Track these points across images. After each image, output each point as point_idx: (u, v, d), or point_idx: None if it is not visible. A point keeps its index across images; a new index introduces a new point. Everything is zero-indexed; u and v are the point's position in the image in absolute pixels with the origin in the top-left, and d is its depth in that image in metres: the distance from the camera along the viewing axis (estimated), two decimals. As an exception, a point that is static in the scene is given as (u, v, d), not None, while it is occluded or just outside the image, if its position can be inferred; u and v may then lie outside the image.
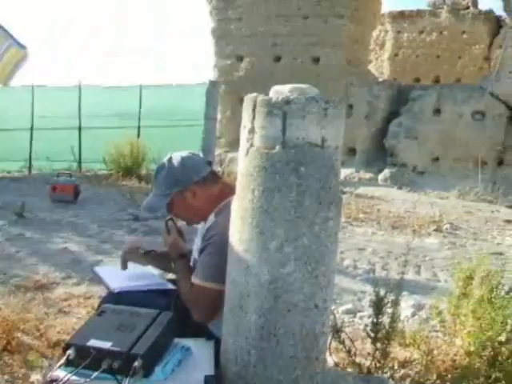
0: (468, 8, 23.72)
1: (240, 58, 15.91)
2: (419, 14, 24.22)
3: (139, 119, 13.48)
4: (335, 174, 2.01)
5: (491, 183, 12.50)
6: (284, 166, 1.92)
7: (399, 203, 11.33)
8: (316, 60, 15.05)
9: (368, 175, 13.98)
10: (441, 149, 13.70)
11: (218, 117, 14.00)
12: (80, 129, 13.22)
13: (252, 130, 2.00)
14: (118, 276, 3.04)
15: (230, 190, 2.66)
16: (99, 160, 12.33)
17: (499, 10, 14.10)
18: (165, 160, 2.85)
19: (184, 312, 2.55)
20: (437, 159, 13.82)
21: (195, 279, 2.59)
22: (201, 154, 2.91)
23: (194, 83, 13.79)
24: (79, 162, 13.02)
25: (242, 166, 2.07)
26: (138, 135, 13.11)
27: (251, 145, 2.00)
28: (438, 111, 13.86)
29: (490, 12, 23.54)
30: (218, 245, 2.51)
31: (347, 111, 14.50)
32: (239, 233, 2.11)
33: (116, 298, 2.76)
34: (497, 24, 23.22)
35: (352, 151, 14.55)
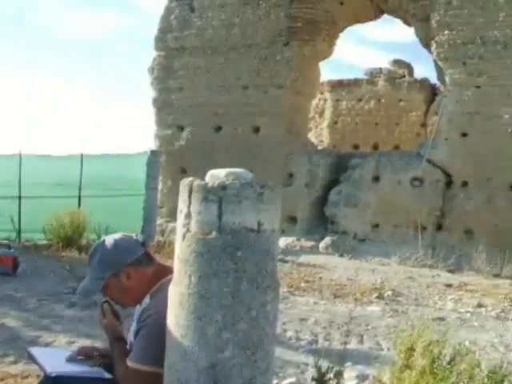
0: (404, 77, 24.53)
1: (181, 128, 16.00)
2: (357, 82, 24.91)
3: (80, 188, 13.32)
4: (272, 258, 2.02)
5: (431, 248, 12.65)
6: (220, 252, 1.93)
7: (341, 271, 11.35)
8: (256, 130, 15.22)
9: (309, 243, 13.97)
10: (381, 215, 13.84)
11: (159, 186, 13.99)
12: (20, 198, 12.98)
13: (188, 215, 2.01)
14: (54, 358, 2.95)
15: (164, 271, 2.67)
16: (39, 230, 12.08)
17: (434, 78, 14.58)
18: (98, 243, 2.84)
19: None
20: (377, 226, 13.94)
21: (130, 362, 2.53)
22: (134, 236, 2.89)
23: (136, 152, 13.80)
24: (19, 232, 12.74)
25: (179, 251, 2.07)
26: (79, 205, 12.94)
27: (188, 230, 2.01)
28: (377, 178, 14.05)
29: (425, 80, 24.40)
30: (153, 327, 2.48)
31: (287, 180, 14.80)
32: (176, 318, 2.09)
33: (53, 382, 2.68)
34: (432, 91, 24.02)
35: (293, 219, 14.58)
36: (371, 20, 16.18)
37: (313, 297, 8.68)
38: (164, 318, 2.24)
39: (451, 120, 13.34)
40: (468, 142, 13.25)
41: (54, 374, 2.72)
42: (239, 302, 1.96)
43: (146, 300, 2.70)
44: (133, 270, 2.71)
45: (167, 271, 2.59)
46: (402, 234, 13.23)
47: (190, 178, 2.07)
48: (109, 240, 2.80)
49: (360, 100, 24.66)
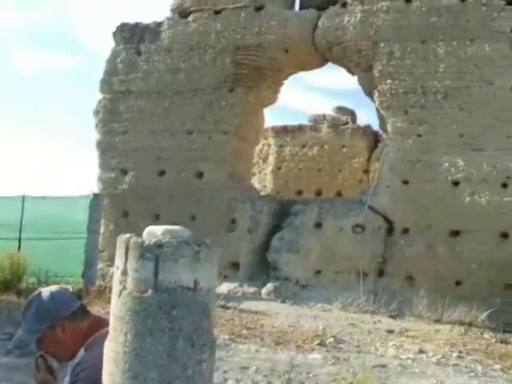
0: (347, 123, 24.91)
1: (124, 171, 15.89)
2: (301, 128, 25.17)
3: (20, 230, 13.11)
4: (208, 316, 2.02)
5: (373, 294, 12.70)
6: (156, 310, 1.92)
7: (283, 317, 11.30)
8: (200, 175, 15.22)
9: (252, 289, 13.92)
10: (323, 262, 13.86)
11: (101, 230, 13.83)
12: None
13: (125, 273, 2.00)
14: None
15: (99, 324, 2.65)
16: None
17: (377, 125, 14.87)
18: (34, 295, 2.79)
19: None
20: (319, 272, 13.94)
21: None
22: (70, 288, 2.86)
23: (78, 195, 13.66)
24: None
25: (115, 308, 2.05)
26: (19, 247, 12.71)
27: (124, 287, 1.99)
28: (319, 225, 14.11)
29: (368, 127, 24.81)
30: (87, 381, 2.44)
31: (230, 225, 14.82)
32: (111, 375, 2.06)
33: None
34: (374, 138, 24.42)
35: (236, 265, 14.55)
36: (316, 68, 16.42)
37: (254, 344, 8.64)
38: (99, 372, 2.21)
39: (393, 167, 13.58)
40: (409, 189, 13.47)
41: None
42: (175, 361, 1.94)
43: (81, 352, 2.66)
44: (68, 324, 2.67)
45: (103, 324, 2.57)
46: (344, 280, 13.28)
47: (127, 235, 2.07)
48: (45, 292, 2.76)
49: (304, 146, 24.89)
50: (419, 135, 13.49)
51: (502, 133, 12.96)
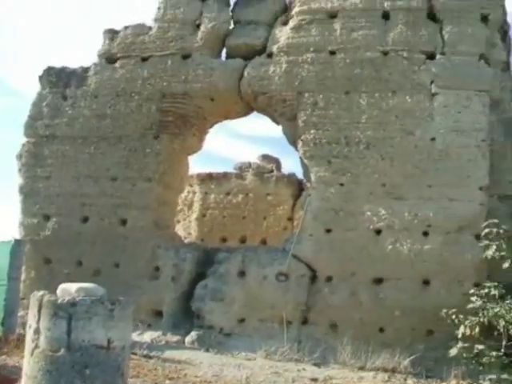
0: (272, 171, 25.05)
1: (47, 218, 15.54)
2: (226, 176, 25.13)
3: None
4: (121, 374, 1.97)
5: (297, 342, 12.73)
6: (69, 369, 1.87)
7: (206, 367, 11.18)
8: (123, 222, 15.01)
9: (175, 338, 13.73)
10: (247, 310, 13.76)
11: (23, 277, 13.54)
12: None
13: (37, 331, 1.95)
14: None
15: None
16: None
17: (301, 174, 15.00)
18: None
19: None
20: (243, 320, 13.82)
21: None
22: None
23: (-1, 241, 13.37)
24: None
25: (27, 368, 1.98)
26: None
27: (36, 346, 1.94)
28: (243, 273, 14.05)
29: (292, 175, 24.99)
30: None
31: (154, 273, 14.64)
32: None
33: None
34: (299, 186, 24.62)
35: (159, 314, 14.35)
36: (241, 116, 16.52)
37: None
38: None
39: (316, 216, 13.65)
40: (332, 237, 13.55)
41: None
42: (88, 423, 1.88)
43: None
44: None
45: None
46: (268, 328, 13.21)
47: (41, 292, 2.01)
48: None
49: (228, 194, 24.87)
50: (342, 184, 13.64)
51: (422, 182, 13.29)
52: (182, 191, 18.47)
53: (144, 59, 15.76)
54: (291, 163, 26.98)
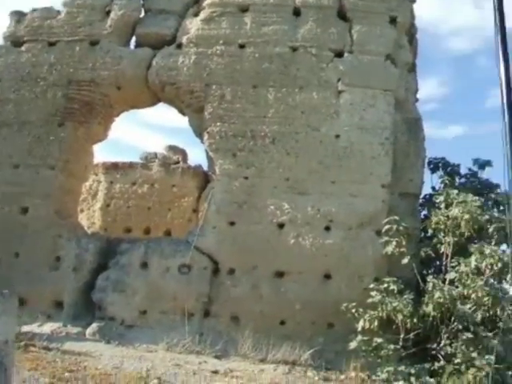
0: (178, 163, 24.98)
1: None
2: (132, 166, 24.95)
3: None
4: (4, 370, 1.91)
5: (198, 334, 12.72)
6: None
7: (107, 359, 11.06)
8: (24, 210, 14.60)
9: (76, 329, 13.45)
10: (148, 302, 13.66)
11: None
12: None
13: None
14: None
15: None
16: None
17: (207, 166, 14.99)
18: None
19: None
20: (145, 312, 13.70)
21: None
22: None
23: None
24: None
25: None
26: None
27: None
28: (145, 264, 13.93)
29: (198, 167, 24.95)
30: None
31: (55, 263, 14.28)
32: None
33: None
34: (205, 178, 24.56)
35: (59, 305, 14.04)
36: (148, 106, 16.36)
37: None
38: None
39: (219, 209, 13.70)
40: (235, 230, 13.62)
41: None
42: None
43: None
44: None
45: None
46: (170, 320, 13.13)
47: None
48: None
49: (134, 184, 24.67)
50: (246, 178, 13.75)
51: (326, 178, 13.53)
52: (86, 180, 18.15)
53: (51, 44, 15.39)
54: (198, 155, 26.92)
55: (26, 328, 11.85)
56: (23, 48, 15.56)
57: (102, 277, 14.01)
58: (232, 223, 13.73)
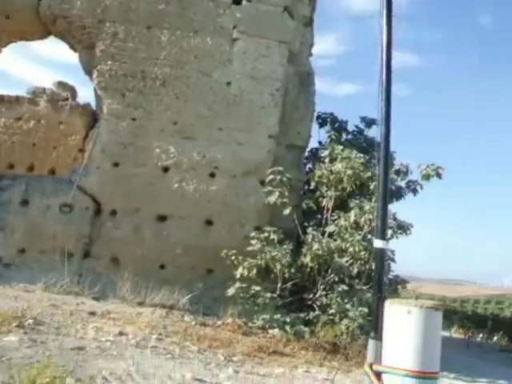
0: (67, 100, 24.30)
1: None
2: (18, 100, 24.10)
3: None
4: None
5: (77, 275, 12.63)
6: None
7: (-18, 298, 10.76)
8: None
9: (-51, 268, 13.07)
10: (28, 240, 13.38)
11: None
12: None
13: None
14: None
15: None
16: None
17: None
18: None
19: None
20: (23, 251, 13.43)
21: None
22: None
23: None
24: None
25: None
26: None
27: None
28: (25, 202, 13.62)
29: (87, 105, 24.36)
30: None
31: None
32: None
33: None
34: (93, 117, 24.04)
35: None
36: (38, 39, 15.78)
37: None
38: None
39: (104, 149, 13.54)
40: (119, 172, 13.54)
41: None
42: None
43: None
44: None
45: None
46: (49, 260, 12.88)
47: None
48: None
49: (19, 119, 23.90)
50: (134, 119, 13.62)
51: (214, 124, 13.64)
52: None
53: None
54: (87, 93, 26.39)
55: None
56: None
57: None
58: (116, 164, 13.59)
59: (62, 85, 24.95)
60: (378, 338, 4.50)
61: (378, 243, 5.24)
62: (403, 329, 4.12)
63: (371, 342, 4.65)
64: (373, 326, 4.73)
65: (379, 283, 4.97)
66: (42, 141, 23.63)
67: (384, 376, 4.23)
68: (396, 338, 4.16)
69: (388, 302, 4.41)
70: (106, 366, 6.82)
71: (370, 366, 4.44)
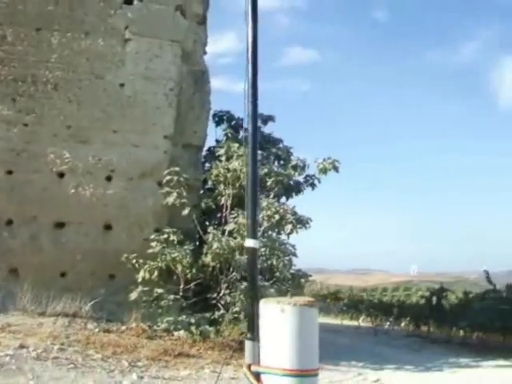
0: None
1: None
2: None
3: None
4: None
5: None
6: None
7: None
8: None
9: None
10: None
11: None
12: None
13: None
14: None
15: None
16: None
17: None
18: None
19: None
20: None
21: None
22: None
23: None
24: None
25: None
26: None
27: None
28: None
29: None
30: None
31: None
32: None
33: None
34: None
35: None
36: None
37: None
38: None
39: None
40: (13, 179, 13.40)
41: None
42: None
43: None
44: None
45: None
46: None
47: None
48: None
49: None
50: (26, 125, 13.51)
51: (108, 127, 13.74)
52: None
53: None
54: None
55: None
56: None
57: None
58: (10, 172, 13.43)
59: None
60: (255, 338, 4.56)
61: (249, 242, 5.28)
62: (278, 328, 4.15)
63: (248, 343, 4.71)
64: (249, 326, 4.80)
65: (253, 282, 5.04)
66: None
67: (263, 376, 4.28)
68: (272, 338, 4.19)
69: (262, 302, 4.46)
70: (5, 382, 6.70)
71: (249, 366, 4.49)
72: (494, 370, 13.28)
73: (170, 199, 13.22)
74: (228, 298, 12.79)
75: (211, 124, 16.05)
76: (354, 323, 28.39)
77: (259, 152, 13.79)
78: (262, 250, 12.65)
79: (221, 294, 13.00)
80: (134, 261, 12.70)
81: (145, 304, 12.43)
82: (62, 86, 13.63)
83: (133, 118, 13.87)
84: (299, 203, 14.81)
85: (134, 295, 12.31)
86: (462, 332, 21.62)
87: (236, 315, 12.44)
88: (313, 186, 15.33)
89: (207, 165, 15.78)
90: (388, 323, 28.75)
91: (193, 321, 12.16)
